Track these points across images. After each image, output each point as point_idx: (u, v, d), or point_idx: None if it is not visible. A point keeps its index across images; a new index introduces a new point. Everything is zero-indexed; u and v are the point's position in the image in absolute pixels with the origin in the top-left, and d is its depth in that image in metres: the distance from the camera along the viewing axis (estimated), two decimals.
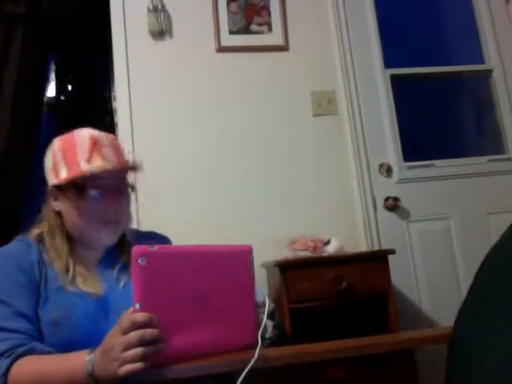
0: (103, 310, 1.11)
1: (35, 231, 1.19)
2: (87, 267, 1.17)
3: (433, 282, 2.42)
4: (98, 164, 1.12)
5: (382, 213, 2.47)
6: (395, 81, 2.63)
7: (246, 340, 0.91)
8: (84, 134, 1.17)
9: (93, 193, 1.13)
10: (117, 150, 1.19)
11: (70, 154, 1.14)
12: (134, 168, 1.22)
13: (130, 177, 1.25)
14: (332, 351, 0.94)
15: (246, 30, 2.54)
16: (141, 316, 0.81)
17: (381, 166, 2.52)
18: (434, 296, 2.41)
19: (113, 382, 0.84)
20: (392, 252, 2.13)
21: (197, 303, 0.87)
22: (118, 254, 1.22)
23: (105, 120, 2.99)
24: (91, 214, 1.14)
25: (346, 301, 2.05)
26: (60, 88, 3.30)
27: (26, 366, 0.97)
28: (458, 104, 2.96)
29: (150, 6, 2.46)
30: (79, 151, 1.13)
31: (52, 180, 1.16)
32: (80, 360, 0.89)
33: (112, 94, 2.70)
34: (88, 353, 0.89)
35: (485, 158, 2.63)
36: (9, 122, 2.35)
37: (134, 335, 0.81)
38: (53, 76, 3.23)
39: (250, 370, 0.82)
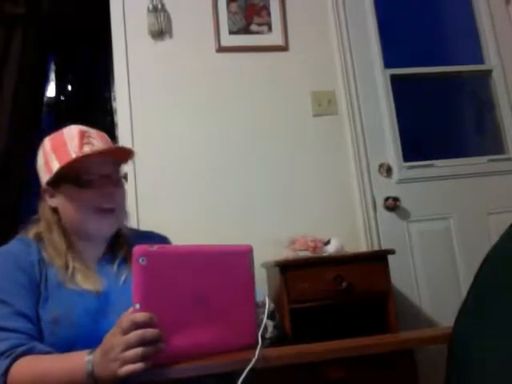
0: (104, 307, 1.11)
1: (34, 231, 1.19)
2: (87, 264, 1.17)
3: (433, 281, 2.42)
4: (87, 151, 1.14)
5: (382, 213, 2.47)
6: (395, 81, 2.63)
7: (246, 340, 0.91)
8: (73, 130, 1.19)
9: (87, 180, 1.14)
10: (107, 142, 1.21)
11: (60, 149, 1.15)
12: (125, 153, 1.23)
13: (125, 167, 1.26)
14: (332, 351, 0.94)
15: (245, 30, 2.54)
16: (141, 316, 0.81)
17: (381, 166, 2.52)
18: (434, 296, 2.41)
19: (113, 382, 0.84)
20: (392, 252, 2.13)
21: (197, 303, 0.87)
22: (116, 250, 1.22)
23: (105, 120, 2.99)
24: (88, 202, 1.15)
25: (346, 301, 2.05)
26: (60, 88, 3.30)
27: (26, 365, 0.97)
28: (458, 104, 2.96)
29: (150, 6, 2.46)
30: (69, 145, 1.15)
31: (45, 177, 1.17)
32: (80, 360, 0.89)
33: (112, 94, 2.70)
34: (88, 353, 0.89)
35: (485, 158, 2.63)
36: (9, 122, 2.35)
37: (134, 335, 0.81)
38: (53, 76, 3.23)
39: (250, 370, 0.82)
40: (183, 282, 0.86)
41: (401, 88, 2.64)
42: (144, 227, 1.52)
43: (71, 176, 1.14)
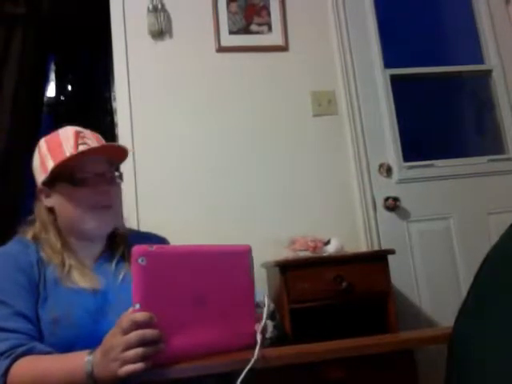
0: (103, 305, 1.11)
1: (30, 232, 1.19)
2: (84, 263, 1.18)
3: (433, 282, 2.42)
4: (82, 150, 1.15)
5: (382, 213, 2.47)
6: (395, 81, 2.63)
7: (245, 340, 0.91)
8: (68, 130, 1.20)
9: (82, 178, 1.15)
10: (100, 142, 1.22)
11: (56, 150, 1.16)
12: (119, 152, 1.23)
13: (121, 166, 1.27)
14: (332, 351, 0.94)
15: (245, 30, 2.54)
16: (141, 315, 0.81)
17: (381, 166, 2.52)
18: (434, 296, 2.41)
19: (113, 383, 0.84)
20: (392, 252, 2.13)
21: (196, 303, 0.87)
22: (114, 249, 1.22)
23: (105, 120, 2.99)
24: (84, 201, 1.15)
25: (346, 301, 2.05)
26: (60, 88, 3.30)
27: (26, 366, 0.97)
28: (458, 104, 2.96)
29: (150, 6, 2.46)
30: (65, 145, 1.16)
31: (41, 177, 1.18)
32: (79, 360, 0.89)
33: (112, 94, 2.70)
34: (88, 353, 0.89)
35: (485, 158, 2.63)
36: (9, 121, 2.35)
37: (135, 335, 0.81)
38: (53, 76, 3.23)
39: (250, 370, 0.82)
40: (183, 282, 0.86)
41: (401, 88, 2.64)
42: (144, 227, 1.52)
43: (66, 175, 1.15)
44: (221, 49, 2.51)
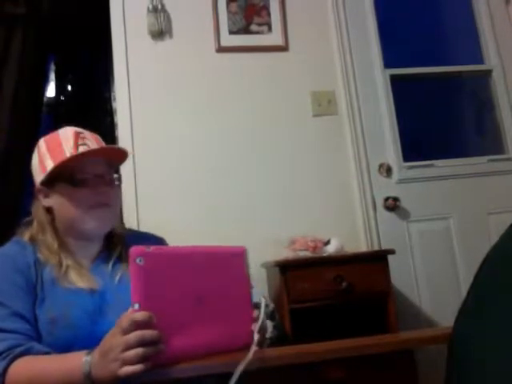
0: (100, 305, 1.11)
1: (28, 233, 1.19)
2: (81, 263, 1.18)
3: (433, 282, 2.42)
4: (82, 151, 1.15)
5: (382, 213, 2.47)
6: (395, 81, 2.63)
7: (244, 340, 0.91)
8: (68, 131, 1.20)
9: (81, 179, 1.15)
10: (101, 144, 1.22)
11: (55, 150, 1.16)
12: (119, 154, 1.24)
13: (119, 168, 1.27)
14: (332, 351, 0.94)
15: (245, 30, 2.54)
16: (140, 315, 0.81)
17: (381, 166, 2.52)
18: (434, 296, 2.41)
19: (111, 383, 0.84)
20: (392, 252, 2.13)
21: (195, 303, 0.87)
22: (111, 249, 1.23)
23: (105, 120, 2.99)
24: (82, 201, 1.15)
25: (346, 301, 2.05)
26: (60, 88, 3.30)
27: (24, 366, 0.96)
28: (458, 104, 2.96)
29: (150, 7, 2.46)
30: (64, 146, 1.16)
31: (40, 176, 1.18)
32: (77, 361, 0.89)
33: (112, 94, 2.69)
34: (86, 353, 0.89)
35: (485, 158, 2.63)
36: (9, 122, 2.35)
37: (134, 335, 0.81)
38: (53, 76, 3.23)
39: (249, 370, 0.82)
40: (180, 282, 0.86)
41: (401, 88, 2.64)
42: (144, 227, 1.52)
43: (65, 175, 1.15)
44: (221, 49, 2.51)
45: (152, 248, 0.84)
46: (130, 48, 2.46)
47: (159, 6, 2.47)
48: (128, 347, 0.81)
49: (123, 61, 2.44)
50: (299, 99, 2.53)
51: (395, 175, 2.52)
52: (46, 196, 1.19)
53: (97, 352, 0.87)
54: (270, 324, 1.90)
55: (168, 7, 2.50)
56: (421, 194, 2.52)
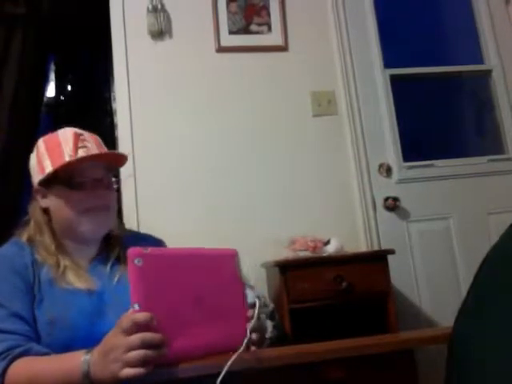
0: (98, 306, 1.11)
1: (26, 234, 1.19)
2: (79, 264, 1.17)
3: (433, 282, 2.42)
4: (82, 155, 1.14)
5: (382, 213, 2.47)
6: (395, 81, 2.63)
7: (240, 341, 0.91)
8: (67, 132, 1.19)
9: (80, 182, 1.15)
10: (100, 146, 1.21)
11: (54, 152, 1.16)
12: (118, 158, 1.23)
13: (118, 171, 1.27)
14: (332, 351, 0.94)
15: (245, 30, 2.54)
16: (141, 316, 0.81)
17: (380, 166, 2.52)
18: (434, 296, 2.41)
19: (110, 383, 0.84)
20: (392, 252, 2.13)
21: (192, 304, 0.87)
22: (109, 251, 1.22)
23: (105, 121, 2.99)
24: (81, 203, 1.15)
25: (346, 301, 2.05)
26: (60, 88, 3.30)
27: (23, 367, 0.96)
28: (458, 104, 2.96)
29: (150, 7, 2.46)
30: (64, 147, 1.16)
31: (38, 177, 1.17)
32: (76, 360, 0.88)
33: (112, 94, 2.69)
34: (85, 353, 0.89)
35: (485, 158, 2.63)
36: (8, 121, 2.35)
37: (137, 337, 0.81)
38: (53, 76, 3.23)
39: (249, 370, 0.82)
40: (178, 283, 0.87)
41: (401, 88, 2.64)
42: (144, 227, 1.53)
43: (64, 178, 1.14)
44: (221, 49, 2.51)
45: (150, 249, 0.85)
46: (129, 48, 2.46)
47: (159, 6, 2.47)
48: (130, 349, 0.81)
49: (123, 61, 2.44)
50: (299, 99, 2.53)
51: (395, 175, 2.52)
52: (44, 196, 1.18)
53: (96, 351, 0.87)
54: (270, 324, 1.90)
55: (168, 7, 2.50)
56: (421, 193, 2.52)
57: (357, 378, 0.95)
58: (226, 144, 2.45)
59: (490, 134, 2.81)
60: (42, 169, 1.16)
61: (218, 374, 0.82)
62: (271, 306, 2.03)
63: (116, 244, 1.23)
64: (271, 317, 1.96)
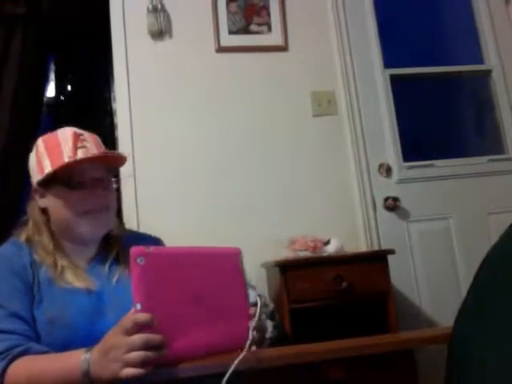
0: (98, 306, 1.11)
1: (24, 234, 1.19)
2: (77, 264, 1.17)
3: (433, 281, 2.42)
4: (81, 156, 1.14)
5: (382, 213, 2.47)
6: (395, 81, 2.63)
7: (242, 340, 0.91)
8: (67, 132, 1.18)
9: (80, 183, 1.14)
10: (100, 147, 1.21)
11: (54, 151, 1.15)
12: (118, 159, 1.23)
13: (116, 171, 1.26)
14: (332, 351, 0.94)
15: (245, 30, 2.54)
16: (142, 316, 0.81)
17: (380, 166, 2.52)
18: (434, 296, 2.41)
19: (110, 383, 0.84)
20: (392, 252, 2.13)
21: (194, 303, 0.87)
22: (107, 251, 1.22)
23: (104, 121, 2.99)
24: (79, 205, 1.15)
25: (346, 301, 2.05)
26: (60, 88, 3.30)
27: (22, 366, 0.96)
28: (458, 104, 2.96)
29: (150, 7, 2.46)
30: (63, 148, 1.15)
31: (37, 176, 1.17)
32: (76, 359, 0.88)
33: (112, 94, 2.69)
34: (84, 351, 0.89)
35: (485, 158, 2.63)
36: (8, 121, 2.35)
37: (139, 338, 0.81)
38: (53, 76, 3.23)
39: (247, 368, 0.82)
40: (180, 282, 0.86)
41: (401, 88, 2.64)
42: (144, 227, 1.52)
43: (63, 178, 1.14)
44: (220, 49, 2.51)
45: (152, 248, 0.85)
46: (129, 48, 2.46)
47: (159, 6, 2.47)
48: (131, 349, 0.81)
49: (123, 61, 2.44)
50: (299, 99, 2.53)
51: (395, 175, 2.53)
52: (42, 196, 1.18)
53: (96, 350, 0.87)
54: (270, 324, 1.90)
55: (168, 7, 2.50)
56: (421, 194, 2.52)
57: (357, 378, 0.95)
58: (226, 144, 2.45)
59: (489, 134, 2.81)
60: (41, 169, 1.16)
61: (220, 374, 0.82)
62: (271, 305, 2.03)
63: (115, 244, 1.23)
64: (271, 317, 1.96)
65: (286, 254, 2.24)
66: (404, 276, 2.39)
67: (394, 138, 2.56)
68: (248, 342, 0.87)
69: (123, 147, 2.37)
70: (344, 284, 2.02)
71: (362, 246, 2.43)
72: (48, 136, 1.20)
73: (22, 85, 2.40)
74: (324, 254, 2.21)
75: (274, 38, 2.56)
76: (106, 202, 1.18)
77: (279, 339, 1.88)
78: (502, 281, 0.82)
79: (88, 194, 1.15)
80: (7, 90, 2.36)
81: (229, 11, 2.54)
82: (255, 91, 2.51)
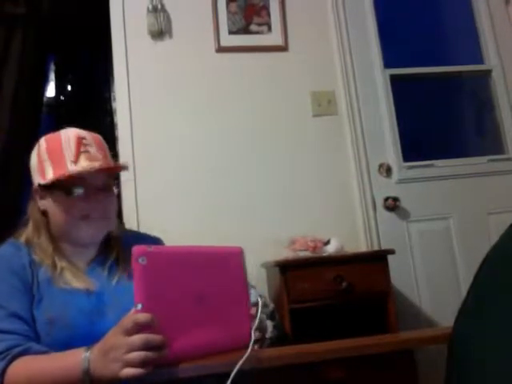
0: (98, 306, 1.11)
1: (24, 235, 1.19)
2: (76, 265, 1.17)
3: (433, 282, 2.42)
4: (84, 164, 1.12)
5: (382, 213, 2.47)
6: (395, 81, 2.63)
7: (243, 340, 0.91)
8: (70, 134, 1.17)
9: (80, 191, 1.14)
10: (103, 149, 1.19)
11: (56, 154, 1.14)
12: (119, 168, 1.23)
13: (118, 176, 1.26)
14: (332, 351, 0.94)
15: (245, 30, 2.54)
16: (143, 317, 0.81)
17: (380, 166, 2.52)
18: (434, 296, 2.41)
19: (109, 382, 0.84)
20: (392, 252, 2.13)
21: (195, 303, 0.87)
22: (107, 253, 1.22)
23: (105, 120, 2.99)
24: (79, 211, 1.14)
25: (346, 301, 2.05)
26: (60, 88, 3.30)
27: (22, 366, 0.96)
28: (458, 104, 2.96)
29: (150, 7, 2.46)
30: (66, 151, 1.14)
31: (38, 179, 1.16)
32: (76, 357, 0.88)
33: (112, 94, 2.69)
34: (85, 350, 0.89)
35: (485, 158, 2.63)
36: (8, 122, 2.35)
37: (139, 338, 0.81)
38: (53, 76, 3.23)
39: (249, 369, 0.82)
40: (181, 281, 0.86)
41: (401, 88, 2.64)
42: (144, 227, 1.52)
43: (64, 185, 1.13)
44: (220, 49, 2.51)
45: (153, 247, 0.85)
46: (129, 48, 2.46)
47: (159, 6, 2.47)
48: (131, 349, 0.81)
49: (123, 61, 2.44)
50: (299, 99, 2.53)
51: (395, 175, 2.53)
52: (42, 198, 1.18)
53: (97, 349, 0.87)
54: (270, 324, 1.90)
55: (168, 7, 2.50)
56: (421, 193, 2.52)
57: (357, 378, 0.95)
58: (226, 144, 2.45)
59: (489, 134, 2.81)
60: (43, 171, 1.15)
61: (220, 374, 0.82)
62: (271, 305, 2.03)
63: (115, 245, 1.22)
64: (271, 317, 1.96)
65: (286, 254, 2.24)
66: (404, 276, 2.39)
67: (393, 138, 2.56)
68: (251, 343, 0.87)
69: (123, 147, 2.37)
70: (344, 284, 2.02)
71: (362, 246, 2.43)
72: (51, 136, 1.19)
73: (22, 85, 2.40)
74: (324, 254, 2.21)
75: (273, 37, 2.56)
76: (106, 207, 1.17)
77: (279, 339, 1.88)
78: (502, 281, 0.82)
79: (89, 201, 1.14)
80: (7, 90, 2.36)
81: (229, 11, 2.54)
82: (255, 91, 2.51)
